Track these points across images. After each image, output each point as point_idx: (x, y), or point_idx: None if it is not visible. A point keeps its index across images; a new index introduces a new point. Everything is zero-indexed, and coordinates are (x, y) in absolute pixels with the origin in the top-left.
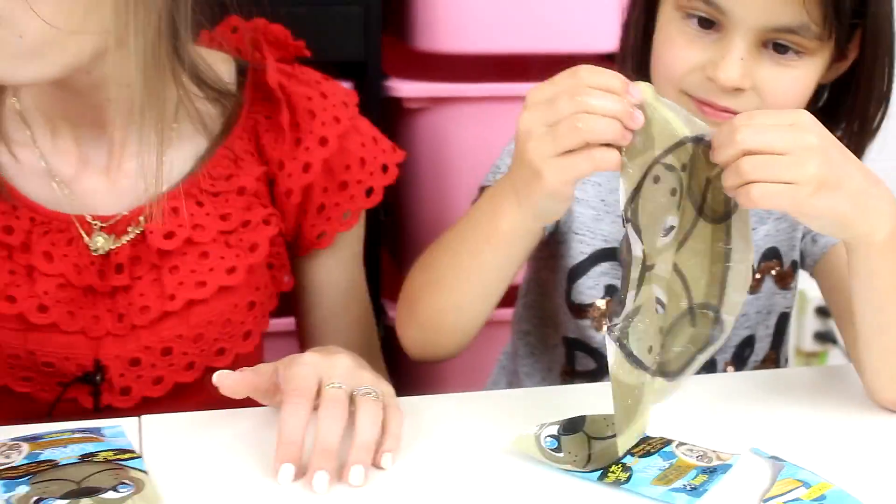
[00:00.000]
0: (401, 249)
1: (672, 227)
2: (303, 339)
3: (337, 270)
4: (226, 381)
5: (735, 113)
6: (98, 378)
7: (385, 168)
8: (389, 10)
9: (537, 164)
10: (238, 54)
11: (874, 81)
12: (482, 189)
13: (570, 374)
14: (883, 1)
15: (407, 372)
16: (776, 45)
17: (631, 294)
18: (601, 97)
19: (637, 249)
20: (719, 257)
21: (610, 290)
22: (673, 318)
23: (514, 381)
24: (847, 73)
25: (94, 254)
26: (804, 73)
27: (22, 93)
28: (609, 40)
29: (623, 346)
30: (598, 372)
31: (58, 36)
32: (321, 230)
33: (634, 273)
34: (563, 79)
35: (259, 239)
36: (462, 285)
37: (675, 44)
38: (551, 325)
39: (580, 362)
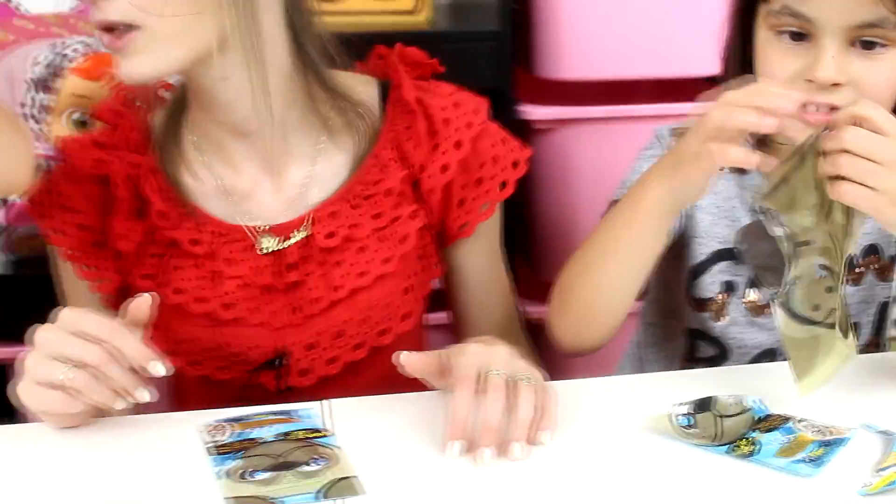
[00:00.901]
0: (532, 254)
1: (815, 205)
2: (455, 319)
3: (480, 256)
4: (409, 360)
5: (837, 108)
6: (280, 363)
7: (515, 164)
8: (519, 43)
9: (695, 149)
10: (385, 77)
11: None
12: (612, 203)
13: (692, 361)
14: None
15: (543, 361)
16: (863, 42)
17: (787, 268)
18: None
19: (779, 231)
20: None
21: (727, 286)
22: (839, 278)
23: (639, 368)
24: None
25: (265, 256)
26: (892, 64)
27: (193, 126)
28: (713, 64)
29: (788, 310)
30: (718, 358)
31: (182, 28)
32: (463, 221)
33: (788, 250)
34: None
35: (408, 231)
36: (611, 265)
37: (774, 59)
38: (674, 317)
39: (701, 350)
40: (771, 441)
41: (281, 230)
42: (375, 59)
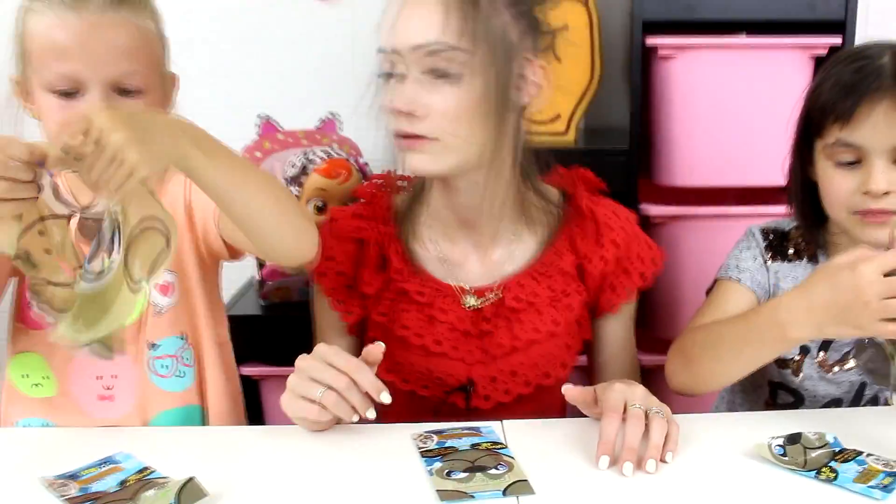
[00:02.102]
0: (646, 317)
1: None
2: (593, 365)
3: (619, 327)
4: (571, 392)
5: (892, 213)
6: (469, 389)
7: (654, 261)
8: (642, 157)
9: (865, 324)
10: (564, 188)
11: None
12: (717, 280)
13: (773, 406)
14: None
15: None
16: None
17: (893, 365)
18: None
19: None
20: None
21: (803, 349)
22: None
23: (730, 410)
24: None
25: (467, 309)
26: None
27: (429, 209)
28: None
29: None
30: (794, 404)
31: (463, 144)
32: (612, 301)
33: (891, 352)
34: None
35: (573, 303)
36: (738, 364)
37: (835, 181)
38: (759, 371)
39: (781, 397)
40: (847, 470)
41: (480, 292)
42: (557, 174)
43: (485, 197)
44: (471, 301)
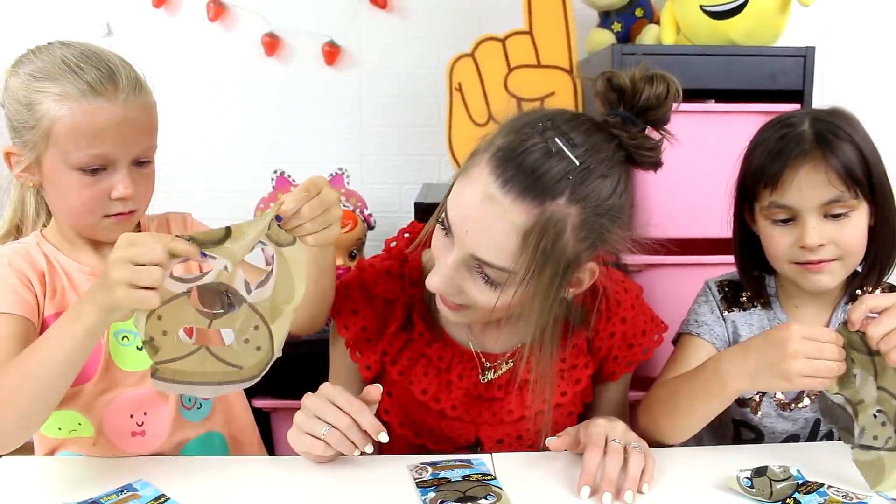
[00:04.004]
0: None
1: (855, 375)
2: (587, 408)
3: (616, 393)
4: (555, 444)
5: (828, 261)
6: (477, 448)
7: (656, 337)
8: None
9: (791, 376)
10: None
11: (887, 223)
12: (679, 334)
13: (737, 442)
14: (878, 165)
15: None
16: (832, 215)
17: (855, 423)
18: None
19: (838, 398)
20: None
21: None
22: (892, 415)
23: (698, 444)
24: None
25: (482, 382)
26: (856, 223)
27: None
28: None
29: (859, 446)
30: (755, 440)
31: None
32: (613, 370)
33: (850, 411)
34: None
35: (582, 376)
36: (694, 416)
37: (774, 238)
38: (724, 411)
39: (743, 434)
40: (810, 501)
41: (495, 358)
42: None
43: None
44: (489, 376)
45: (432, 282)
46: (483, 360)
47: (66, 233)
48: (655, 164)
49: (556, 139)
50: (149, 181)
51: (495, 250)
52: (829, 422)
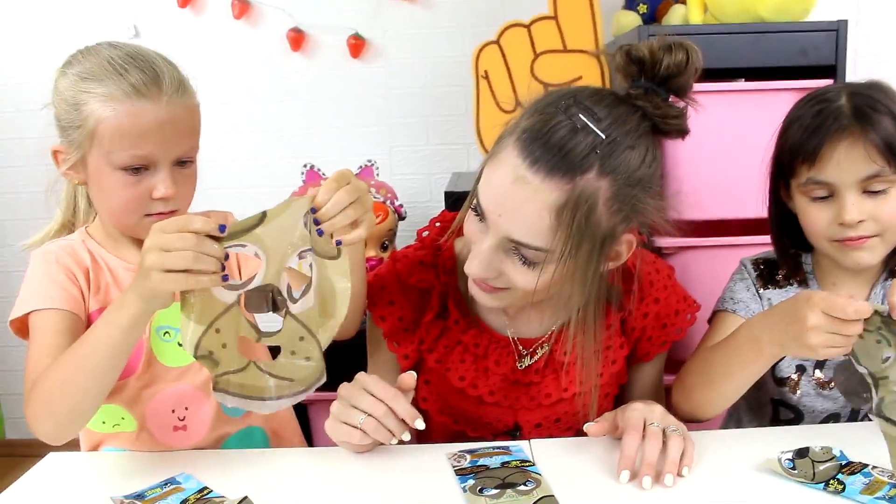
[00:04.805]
0: None
1: (888, 357)
2: (624, 390)
3: (651, 372)
4: (593, 429)
5: (867, 237)
6: (516, 433)
7: (690, 315)
8: None
9: (814, 347)
10: None
11: None
12: (715, 312)
13: (775, 422)
14: None
15: None
16: (872, 191)
17: (874, 392)
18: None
19: (862, 369)
20: None
21: (799, 368)
22: None
23: (737, 426)
24: None
25: (520, 367)
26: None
27: None
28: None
29: (884, 418)
30: (795, 420)
31: (537, 296)
32: (647, 350)
33: (870, 381)
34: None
35: (617, 357)
36: (728, 383)
37: (812, 215)
38: (762, 390)
39: (782, 414)
40: (854, 482)
41: (531, 343)
42: None
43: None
44: (526, 362)
45: (471, 268)
46: (519, 346)
47: (110, 230)
48: (682, 132)
49: (581, 115)
50: (190, 181)
51: (530, 231)
52: (842, 382)
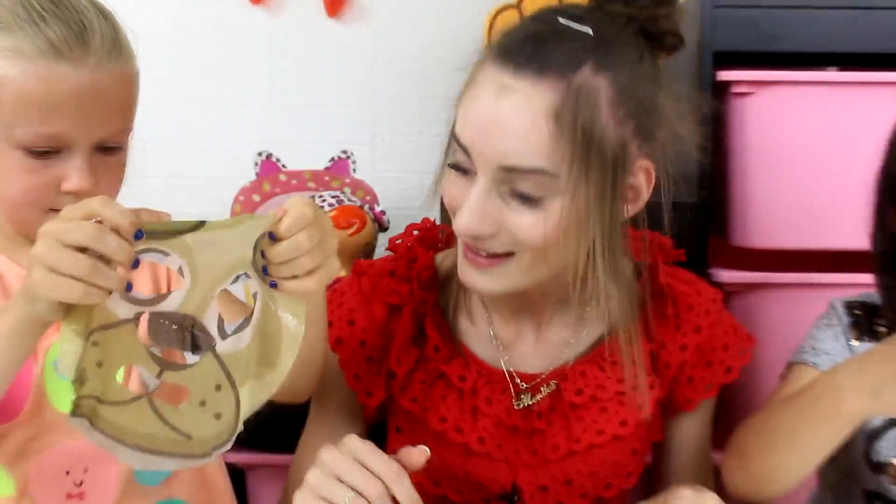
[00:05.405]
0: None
1: None
2: (658, 479)
3: (695, 428)
4: None
5: None
6: (514, 498)
7: (742, 353)
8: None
9: None
10: (637, 257)
11: None
12: (790, 364)
13: None
14: None
15: None
16: None
17: None
18: None
19: None
20: None
21: None
22: None
23: None
24: None
25: (518, 408)
26: None
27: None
28: None
29: None
30: None
31: (545, 262)
32: (688, 397)
33: None
34: None
35: (646, 400)
36: (795, 448)
37: None
38: (852, 478)
39: None
40: None
41: (532, 379)
42: (638, 240)
43: (552, 286)
44: (525, 401)
45: (462, 221)
46: (517, 379)
47: (3, 226)
48: (675, 35)
49: (560, 20)
50: (115, 173)
51: (526, 147)
52: None
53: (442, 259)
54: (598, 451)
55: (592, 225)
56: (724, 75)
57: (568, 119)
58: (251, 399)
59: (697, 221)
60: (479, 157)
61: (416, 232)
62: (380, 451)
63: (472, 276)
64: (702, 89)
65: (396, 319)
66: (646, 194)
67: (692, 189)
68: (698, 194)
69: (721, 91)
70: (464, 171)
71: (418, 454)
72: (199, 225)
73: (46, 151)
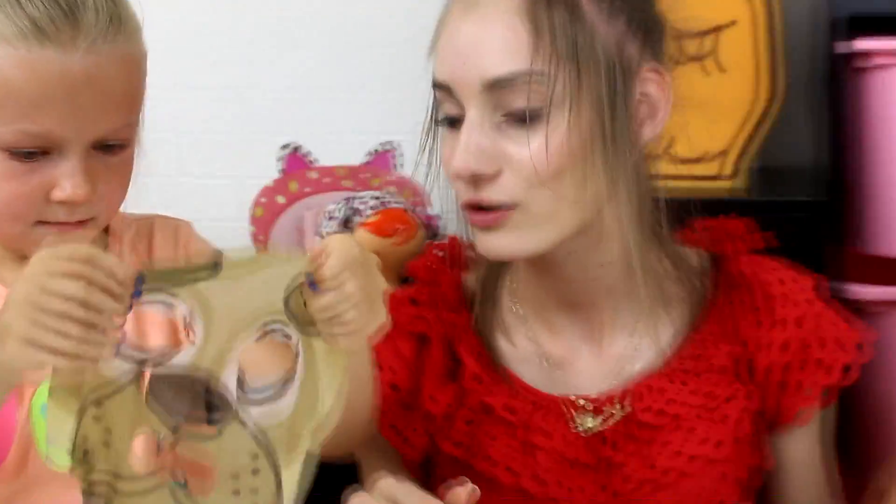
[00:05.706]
0: (847, 449)
1: None
2: None
3: (808, 446)
4: None
5: None
6: None
7: (860, 346)
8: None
9: None
10: (710, 249)
11: None
12: None
13: None
14: None
15: None
16: None
17: None
18: None
19: None
20: None
21: None
22: None
23: None
24: None
25: (580, 432)
26: None
27: (516, 291)
28: None
29: None
30: None
31: (559, 206)
32: (800, 407)
33: None
34: None
35: (741, 414)
36: None
37: None
38: None
39: None
40: None
41: (597, 401)
42: (702, 230)
43: (595, 268)
44: (588, 423)
45: (458, 160)
46: (580, 401)
47: None
48: None
49: None
50: (118, 176)
51: (506, 53)
52: None
53: (474, 279)
54: (688, 481)
55: (599, 145)
56: (859, 45)
57: (543, 11)
58: (297, 478)
59: (819, 225)
60: (462, 86)
61: (440, 254)
62: (417, 491)
63: (487, 240)
64: (824, 62)
65: (427, 352)
66: (664, 108)
67: (810, 185)
68: (823, 191)
69: (848, 65)
70: (454, 121)
71: (464, 494)
72: (214, 268)
73: (32, 153)
